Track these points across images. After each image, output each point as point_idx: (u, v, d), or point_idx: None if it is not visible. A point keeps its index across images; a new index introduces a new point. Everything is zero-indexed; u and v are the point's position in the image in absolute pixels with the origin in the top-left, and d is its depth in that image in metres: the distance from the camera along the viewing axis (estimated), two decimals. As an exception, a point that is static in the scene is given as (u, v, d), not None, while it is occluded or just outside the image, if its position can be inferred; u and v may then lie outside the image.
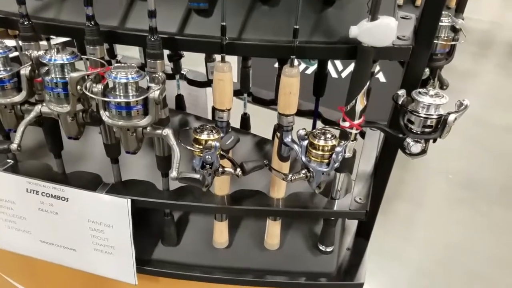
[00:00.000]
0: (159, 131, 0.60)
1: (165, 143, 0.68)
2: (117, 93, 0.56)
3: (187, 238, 0.88)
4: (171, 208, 0.81)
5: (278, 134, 0.67)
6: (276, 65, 0.98)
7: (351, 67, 2.21)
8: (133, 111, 0.56)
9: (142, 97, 0.55)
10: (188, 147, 0.59)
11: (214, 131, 0.61)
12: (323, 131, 0.61)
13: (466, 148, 1.90)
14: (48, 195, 0.76)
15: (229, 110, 0.67)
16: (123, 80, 0.54)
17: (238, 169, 0.63)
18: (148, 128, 0.59)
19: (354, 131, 0.65)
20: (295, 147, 0.65)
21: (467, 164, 1.87)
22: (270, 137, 1.06)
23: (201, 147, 0.60)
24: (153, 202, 0.77)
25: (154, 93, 0.55)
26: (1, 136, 0.76)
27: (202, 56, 1.07)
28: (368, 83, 0.62)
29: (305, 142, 0.61)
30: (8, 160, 0.82)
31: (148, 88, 0.58)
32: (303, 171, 0.62)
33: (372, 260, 0.88)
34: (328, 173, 0.61)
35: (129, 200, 0.73)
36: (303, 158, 0.62)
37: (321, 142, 0.59)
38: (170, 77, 1.15)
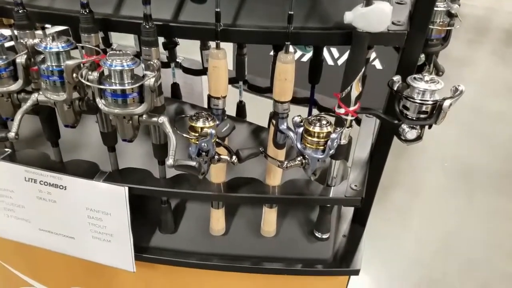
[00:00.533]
0: (155, 119, 0.60)
1: (161, 131, 0.69)
2: (113, 80, 0.55)
3: (184, 226, 0.89)
4: (168, 195, 0.82)
5: (274, 122, 0.68)
6: (272, 52, 0.97)
7: (347, 54, 2.21)
8: (129, 99, 0.56)
9: (137, 85, 0.55)
10: (184, 135, 0.60)
11: (209, 119, 0.61)
12: (319, 117, 0.61)
13: (461, 135, 1.91)
14: (46, 183, 0.76)
15: (224, 97, 0.67)
16: (118, 68, 0.54)
17: (234, 157, 0.64)
18: (144, 115, 0.59)
19: (349, 118, 0.66)
20: (291, 134, 0.65)
21: (462, 151, 1.88)
22: (266, 125, 1.07)
23: (197, 134, 0.60)
24: (150, 190, 0.78)
25: (150, 81, 0.55)
26: (-3, 126, 0.76)
27: (197, 44, 1.07)
28: (363, 69, 0.63)
29: (301, 129, 0.61)
30: (6, 149, 0.82)
31: (144, 76, 0.58)
32: (299, 158, 0.63)
33: (368, 249, 0.89)
34: (323, 160, 0.62)
35: (127, 188, 0.73)
36: (299, 145, 0.62)
37: (316, 129, 0.60)
38: (165, 65, 1.14)
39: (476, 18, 3.41)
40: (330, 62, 2.37)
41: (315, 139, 0.60)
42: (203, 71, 1.14)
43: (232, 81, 1.09)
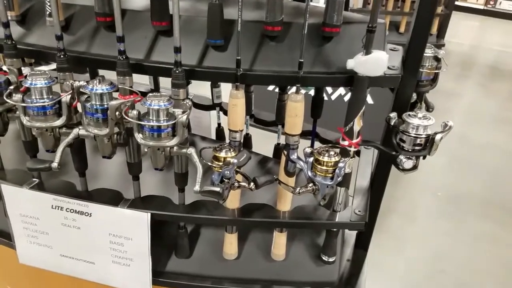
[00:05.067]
0: (184, 150, 0.68)
1: (183, 160, 0.76)
2: (151, 117, 0.64)
3: (199, 250, 0.95)
4: (187, 221, 0.88)
5: (285, 152, 0.76)
6: (270, 88, 1.07)
7: (340, 90, 2.33)
8: (163, 133, 0.64)
9: (172, 122, 0.64)
10: (210, 164, 0.67)
11: (231, 149, 0.69)
12: (327, 149, 0.69)
13: (451, 164, 2.01)
14: (72, 210, 0.82)
15: (241, 131, 0.75)
16: (156, 107, 0.62)
17: (252, 184, 0.71)
18: (175, 147, 0.67)
19: (352, 149, 0.74)
20: (301, 163, 0.73)
21: (452, 179, 1.98)
22: (270, 155, 1.15)
23: (220, 163, 0.68)
24: (171, 216, 0.84)
25: (182, 118, 0.63)
26: (29, 157, 0.83)
27: (206, 82, 1.17)
28: (363, 107, 0.72)
29: (311, 159, 0.70)
30: (34, 179, 0.88)
31: (173, 113, 0.66)
32: (310, 185, 0.71)
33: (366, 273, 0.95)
34: (332, 186, 0.70)
35: (149, 214, 0.79)
36: (309, 173, 0.70)
37: (325, 159, 0.68)
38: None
39: (461, 54, 3.63)
40: (324, 97, 2.49)
41: (324, 168, 0.68)
42: (212, 107, 1.24)
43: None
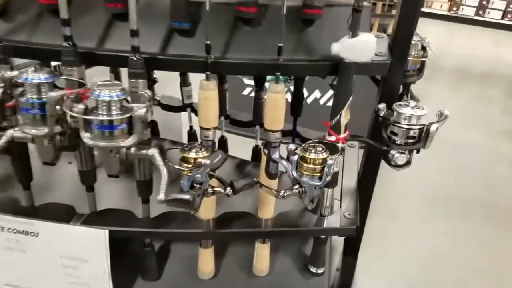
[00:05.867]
0: (144, 151, 0.57)
1: (146, 166, 0.65)
2: (100, 112, 0.53)
3: (169, 270, 0.83)
4: (152, 237, 0.77)
5: (266, 151, 0.67)
6: (246, 92, 0.98)
7: (315, 93, 2.27)
8: (117, 131, 0.53)
9: (127, 115, 0.53)
10: (177, 166, 0.57)
11: (203, 149, 0.59)
12: (313, 144, 0.61)
13: (428, 163, 1.99)
14: (15, 230, 0.69)
15: (215, 128, 0.65)
16: (106, 98, 0.51)
17: (228, 188, 0.61)
18: (133, 148, 0.56)
19: (340, 145, 0.66)
20: (284, 162, 0.64)
21: (432, 178, 1.96)
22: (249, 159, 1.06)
23: (190, 166, 0.57)
24: (133, 232, 0.72)
25: (140, 111, 0.53)
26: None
27: (174, 81, 1.07)
28: (351, 98, 0.64)
29: (296, 157, 0.60)
30: (-34, 195, 0.74)
31: (132, 108, 0.55)
32: (295, 187, 0.61)
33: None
34: (320, 186, 0.61)
35: (107, 231, 0.68)
36: (294, 173, 0.61)
37: (312, 156, 0.59)
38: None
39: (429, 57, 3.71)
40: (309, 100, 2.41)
41: (311, 166, 0.60)
42: (182, 108, 1.13)
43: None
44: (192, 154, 0.58)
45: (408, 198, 1.78)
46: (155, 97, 1.13)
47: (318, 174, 0.60)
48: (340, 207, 0.76)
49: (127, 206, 0.76)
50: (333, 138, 0.65)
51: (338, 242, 0.93)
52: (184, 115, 1.19)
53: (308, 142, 0.61)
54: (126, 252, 0.84)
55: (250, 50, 0.63)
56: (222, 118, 1.07)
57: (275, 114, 0.64)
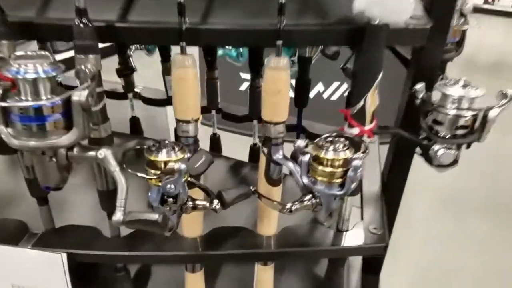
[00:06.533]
0: (91, 153, 0.40)
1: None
2: (23, 96, 0.36)
3: (149, 299, 0.67)
4: (123, 261, 0.60)
5: (265, 150, 0.50)
6: (243, 87, 0.82)
7: (318, 87, 2.08)
8: (49, 123, 0.37)
9: (59, 98, 0.36)
10: (139, 174, 0.40)
11: (177, 149, 0.42)
12: (331, 139, 0.44)
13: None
14: None
15: (196, 121, 0.49)
16: (31, 75, 0.35)
17: (216, 201, 0.45)
18: (75, 149, 0.40)
19: (366, 140, 0.49)
20: (290, 165, 0.48)
21: (444, 178, 1.79)
22: (246, 160, 0.89)
23: (159, 172, 0.41)
24: (98, 256, 0.56)
25: (80, 94, 0.36)
26: None
27: (158, 71, 0.91)
28: (380, 75, 0.48)
29: (307, 157, 0.44)
30: None
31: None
32: (307, 197, 0.45)
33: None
34: (342, 197, 0.45)
35: (65, 255, 0.53)
36: (305, 180, 0.45)
37: (330, 155, 0.43)
38: (121, 96, 0.96)
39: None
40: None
41: (329, 169, 0.43)
42: (167, 101, 0.97)
43: (203, 110, 0.92)
44: (161, 156, 0.41)
45: (417, 200, 1.62)
46: (135, 89, 0.98)
47: (339, 181, 0.43)
48: (362, 218, 0.59)
49: (94, 222, 0.60)
50: (355, 131, 0.49)
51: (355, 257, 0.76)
52: (170, 110, 1.03)
53: (324, 136, 0.45)
54: (95, 277, 0.68)
55: (240, 11, 0.47)
56: (214, 112, 0.92)
57: (276, 100, 0.47)
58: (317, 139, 0.44)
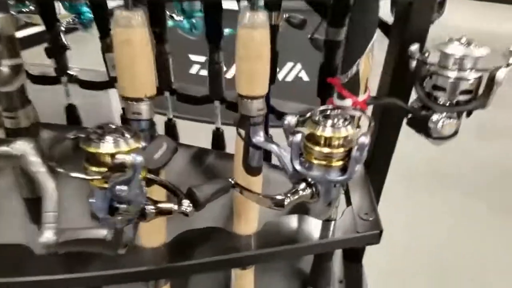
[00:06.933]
0: (4, 148, 0.28)
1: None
2: None
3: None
4: (58, 285, 0.47)
5: (242, 133, 0.40)
6: (193, 70, 0.72)
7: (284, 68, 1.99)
8: None
9: None
10: (74, 174, 0.29)
11: (128, 136, 0.31)
12: (328, 113, 0.35)
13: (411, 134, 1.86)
14: None
15: (151, 98, 0.38)
16: None
17: (186, 202, 0.34)
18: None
19: (358, 113, 0.41)
20: (275, 148, 0.38)
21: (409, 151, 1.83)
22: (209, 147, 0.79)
23: (105, 169, 0.29)
24: (23, 284, 0.43)
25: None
26: None
27: (96, 49, 0.76)
28: (375, 35, 0.40)
29: (299, 137, 0.35)
30: None
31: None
32: (301, 186, 0.36)
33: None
34: (344, 182, 0.37)
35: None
36: (297, 166, 0.36)
37: (329, 132, 0.34)
38: (53, 80, 0.81)
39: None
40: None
41: (328, 150, 0.34)
42: (110, 83, 0.82)
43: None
44: (106, 147, 0.30)
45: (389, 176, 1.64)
46: (69, 72, 0.81)
47: (339, 163, 0.35)
48: (351, 204, 0.52)
49: (21, 236, 0.47)
50: (347, 102, 0.41)
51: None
52: (114, 94, 0.88)
53: (320, 108, 0.36)
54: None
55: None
56: (168, 94, 0.79)
57: (255, 67, 0.37)
58: (311, 113, 0.35)
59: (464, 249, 1.27)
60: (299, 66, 2.00)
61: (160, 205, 0.35)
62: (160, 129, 0.84)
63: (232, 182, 0.37)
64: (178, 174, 0.62)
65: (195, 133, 0.87)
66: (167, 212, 0.34)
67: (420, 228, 1.33)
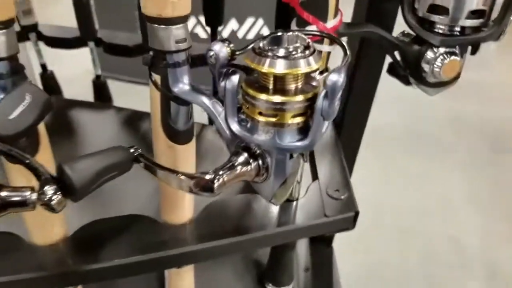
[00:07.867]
0: None
1: None
2: None
3: None
4: None
5: (157, 78, 0.27)
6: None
7: (231, 24, 1.82)
8: None
9: None
10: None
11: None
12: (282, 38, 0.22)
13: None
14: None
15: (9, 23, 0.23)
16: None
17: (51, 188, 0.20)
18: None
19: (326, 48, 0.29)
20: (204, 100, 0.25)
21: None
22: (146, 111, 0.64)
23: None
24: None
25: None
26: None
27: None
28: None
29: (236, 78, 0.22)
30: None
31: None
32: (240, 159, 0.23)
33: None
34: (306, 151, 0.24)
35: None
36: (233, 125, 0.23)
37: (280, 66, 0.20)
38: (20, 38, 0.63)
39: None
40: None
41: (278, 98, 0.21)
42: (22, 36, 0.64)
43: (76, 43, 0.64)
44: None
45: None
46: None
47: (298, 120, 0.22)
48: (317, 178, 0.41)
49: None
50: (313, 28, 0.28)
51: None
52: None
53: (267, 35, 0.22)
54: None
55: None
56: (92, 44, 0.63)
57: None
58: (253, 42, 0.22)
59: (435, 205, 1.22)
60: (260, 21, 1.83)
61: (12, 196, 0.21)
62: (90, 91, 0.68)
63: (135, 153, 0.24)
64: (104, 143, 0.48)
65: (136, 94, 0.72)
66: (17, 205, 0.21)
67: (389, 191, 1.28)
